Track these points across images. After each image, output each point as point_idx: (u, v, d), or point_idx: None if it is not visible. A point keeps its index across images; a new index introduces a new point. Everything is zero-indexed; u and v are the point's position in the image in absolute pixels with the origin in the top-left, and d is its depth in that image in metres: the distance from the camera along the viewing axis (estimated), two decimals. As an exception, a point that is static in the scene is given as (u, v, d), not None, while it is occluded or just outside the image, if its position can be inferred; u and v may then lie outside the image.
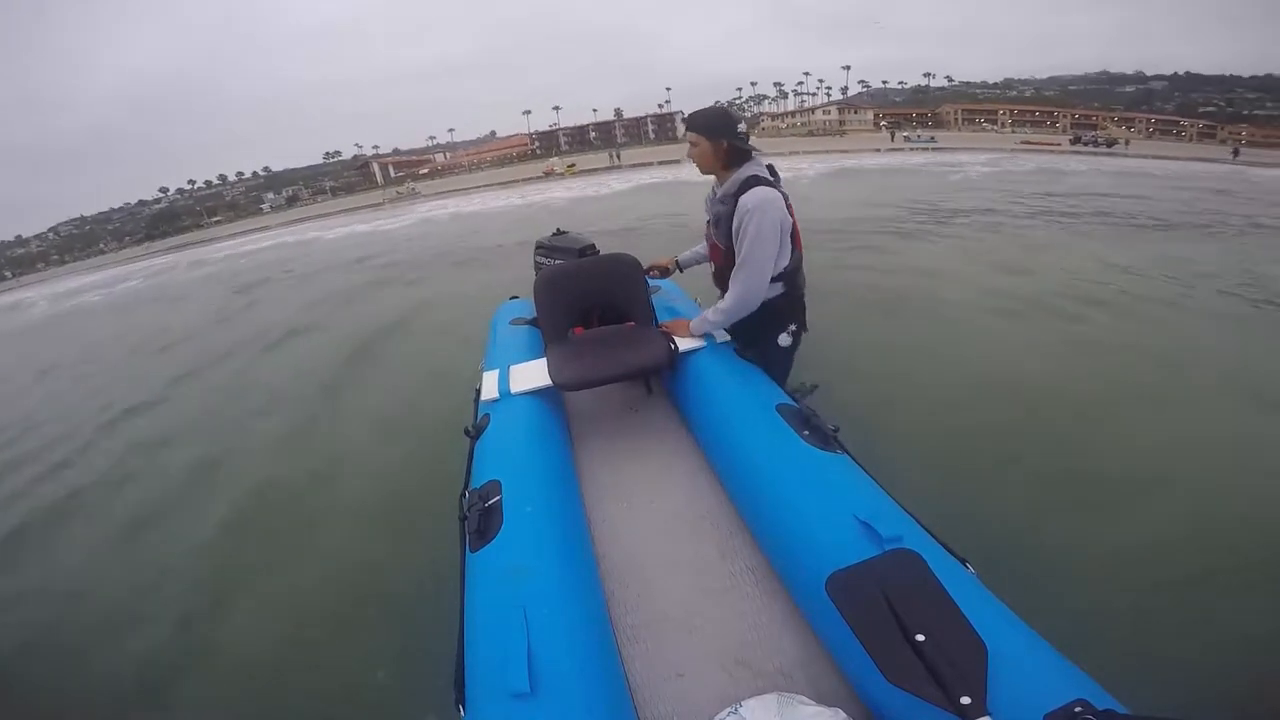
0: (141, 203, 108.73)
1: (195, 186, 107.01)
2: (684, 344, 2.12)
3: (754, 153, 1.99)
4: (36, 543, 3.13)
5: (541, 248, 2.81)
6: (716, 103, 2.24)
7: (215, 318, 8.51)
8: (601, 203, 17.38)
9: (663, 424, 2.16)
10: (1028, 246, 6.97)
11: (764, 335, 2.10)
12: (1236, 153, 35.62)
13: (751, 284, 1.93)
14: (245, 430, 4.07)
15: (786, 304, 2.07)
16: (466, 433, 1.90)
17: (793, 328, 2.11)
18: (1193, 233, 7.99)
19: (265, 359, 5.73)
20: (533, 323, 2.54)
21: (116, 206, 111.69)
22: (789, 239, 1.97)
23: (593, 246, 2.67)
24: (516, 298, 3.18)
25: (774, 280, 1.99)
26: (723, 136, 1.91)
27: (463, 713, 1.08)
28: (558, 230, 2.89)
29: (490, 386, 2.05)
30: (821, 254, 5.55)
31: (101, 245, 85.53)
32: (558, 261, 2.65)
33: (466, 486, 1.63)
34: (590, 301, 2.30)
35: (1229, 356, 3.51)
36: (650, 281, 2.49)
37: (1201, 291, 4.84)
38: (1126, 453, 2.54)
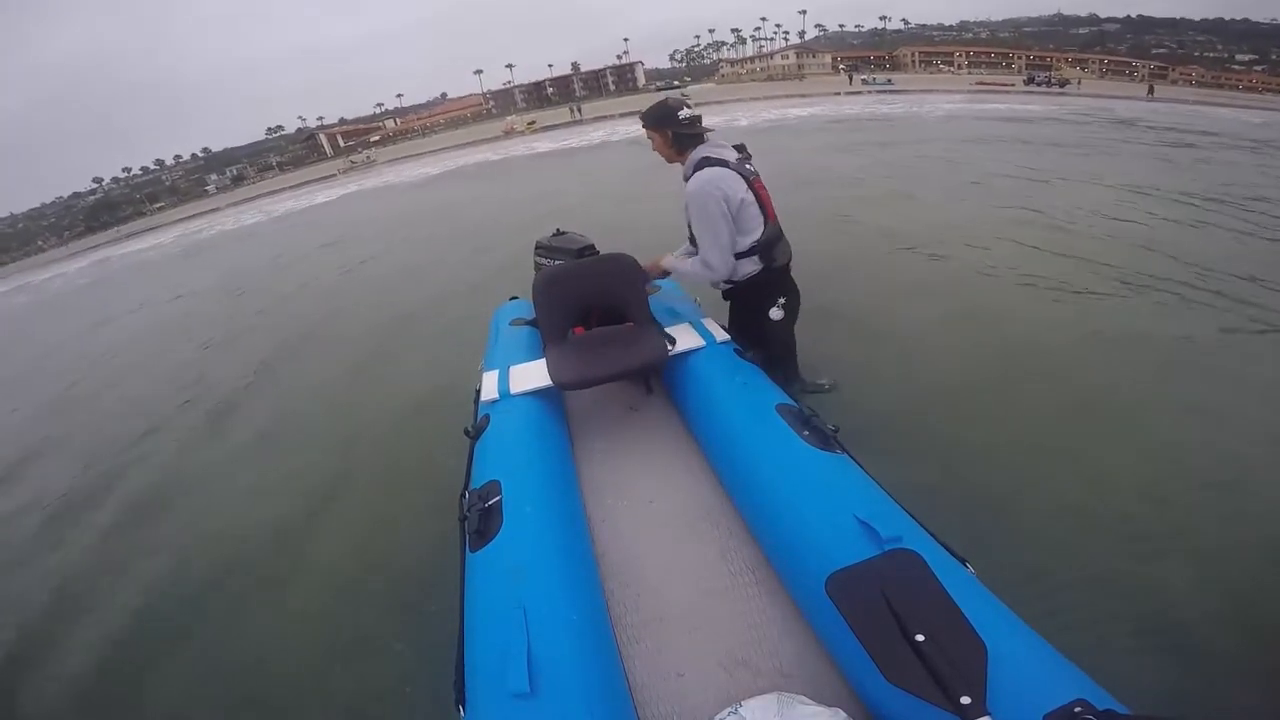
0: (76, 195, 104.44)
1: (131, 174, 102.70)
2: (684, 344, 2.13)
3: (707, 134, 2.15)
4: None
5: (541, 248, 2.79)
6: (672, 84, 2.29)
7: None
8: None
9: (663, 424, 2.16)
10: (1026, 218, 6.86)
11: (754, 312, 2.19)
12: (1151, 91, 36.95)
13: (709, 259, 2.09)
14: (242, 428, 4.02)
15: (767, 277, 2.17)
16: (466, 433, 1.90)
17: (781, 300, 2.20)
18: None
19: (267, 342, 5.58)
20: (532, 323, 2.53)
21: (49, 201, 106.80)
22: (753, 212, 2.08)
23: (592, 247, 2.65)
24: (516, 298, 3.16)
25: (748, 254, 2.11)
26: (666, 126, 2.10)
27: (463, 713, 1.08)
28: (557, 230, 2.85)
29: (490, 387, 2.05)
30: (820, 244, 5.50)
31: (40, 242, 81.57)
32: (557, 262, 2.63)
33: (466, 487, 1.63)
34: (589, 302, 2.29)
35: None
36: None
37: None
38: (1134, 446, 2.55)
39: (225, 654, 2.15)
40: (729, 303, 2.32)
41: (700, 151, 2.10)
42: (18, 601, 2.70)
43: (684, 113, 2.09)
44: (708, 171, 2.02)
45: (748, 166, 2.11)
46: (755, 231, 2.09)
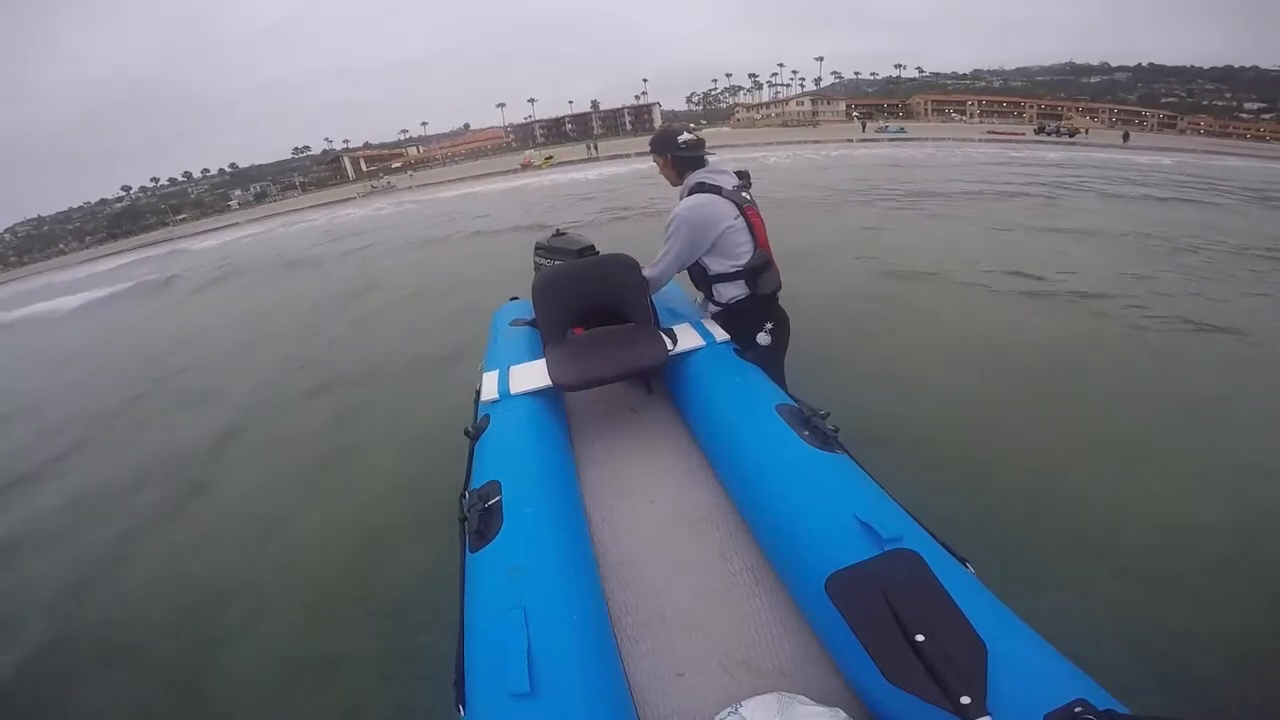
0: (103, 201, 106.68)
1: (158, 184, 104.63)
2: (684, 344, 2.14)
3: (707, 158, 2.20)
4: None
5: (540, 248, 2.80)
6: (688, 126, 2.37)
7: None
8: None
9: (663, 424, 2.15)
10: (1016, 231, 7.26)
11: (743, 336, 2.21)
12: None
13: (653, 270, 2.19)
14: (243, 428, 4.05)
15: (754, 304, 2.20)
16: (466, 433, 1.90)
17: (769, 326, 2.22)
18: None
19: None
20: (532, 323, 2.53)
21: (76, 205, 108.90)
22: (740, 238, 2.12)
23: (592, 247, 2.65)
24: (516, 299, 3.16)
25: (733, 279, 2.16)
26: (667, 150, 2.20)
27: (463, 713, 1.07)
28: (557, 231, 2.87)
29: (490, 387, 2.05)
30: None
31: (62, 245, 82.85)
32: (556, 263, 2.65)
33: (466, 487, 1.63)
34: (589, 302, 2.29)
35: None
36: None
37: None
38: (1135, 449, 2.58)
39: (224, 656, 2.15)
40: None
41: (696, 176, 2.16)
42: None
43: (684, 137, 2.19)
44: (696, 198, 2.10)
45: (744, 194, 2.14)
46: (741, 257, 2.13)
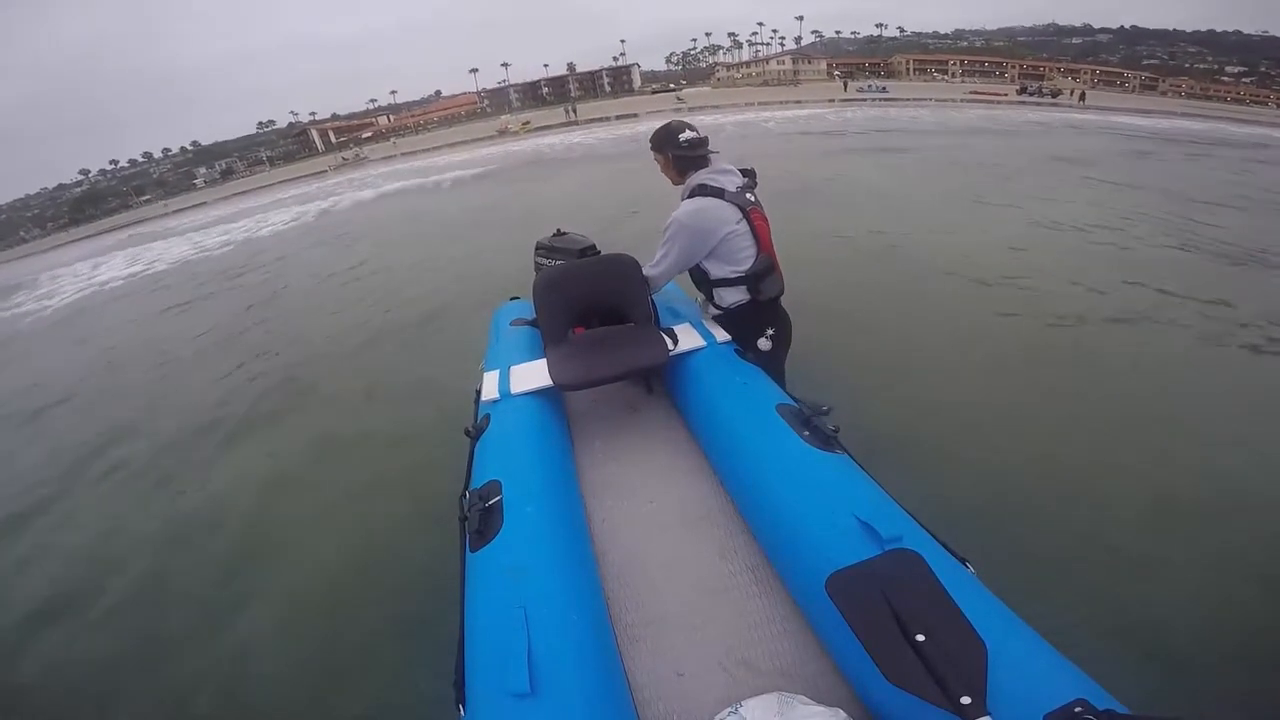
0: (61, 186, 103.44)
1: (118, 166, 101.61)
2: (684, 344, 2.14)
3: (710, 156, 2.10)
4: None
5: (541, 248, 2.77)
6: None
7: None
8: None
9: (663, 424, 2.15)
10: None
11: (744, 340, 2.17)
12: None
13: (651, 272, 2.15)
14: (247, 424, 4.00)
15: (754, 309, 2.15)
16: (467, 433, 1.90)
17: (770, 331, 2.16)
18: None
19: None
20: (533, 323, 2.51)
21: (33, 193, 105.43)
22: (743, 243, 2.05)
23: (593, 247, 2.63)
24: (517, 298, 3.15)
25: (734, 284, 2.10)
26: (667, 149, 2.12)
27: (463, 713, 1.08)
28: (558, 231, 2.83)
29: (490, 387, 2.05)
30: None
31: (22, 233, 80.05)
32: (557, 262, 2.62)
33: (467, 486, 1.63)
34: (590, 302, 2.27)
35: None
36: None
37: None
38: (1134, 449, 2.58)
39: (225, 655, 2.15)
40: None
41: (699, 177, 2.07)
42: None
43: (685, 135, 2.08)
44: (697, 201, 2.02)
45: (748, 195, 2.06)
46: (744, 263, 2.07)
